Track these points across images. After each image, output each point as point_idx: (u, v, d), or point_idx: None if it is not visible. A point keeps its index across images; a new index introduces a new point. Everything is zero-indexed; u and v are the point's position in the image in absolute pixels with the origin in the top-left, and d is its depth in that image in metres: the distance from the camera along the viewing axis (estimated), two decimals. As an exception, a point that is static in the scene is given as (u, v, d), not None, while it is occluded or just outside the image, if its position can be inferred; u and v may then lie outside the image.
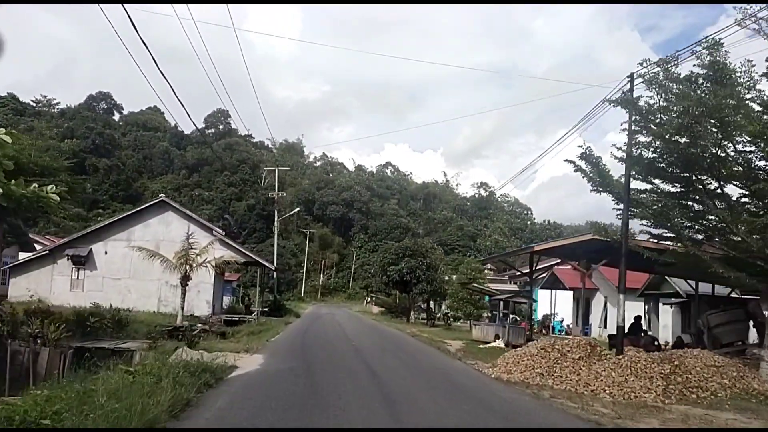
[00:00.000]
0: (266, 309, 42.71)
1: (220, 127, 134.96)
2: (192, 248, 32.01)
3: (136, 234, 36.66)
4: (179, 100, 16.85)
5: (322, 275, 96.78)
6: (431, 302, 45.44)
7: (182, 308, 31.85)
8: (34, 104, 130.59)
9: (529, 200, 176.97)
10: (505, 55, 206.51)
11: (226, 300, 46.91)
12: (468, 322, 48.00)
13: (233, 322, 35.38)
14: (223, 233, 36.81)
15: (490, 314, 26.84)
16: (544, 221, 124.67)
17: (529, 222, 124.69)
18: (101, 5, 11.41)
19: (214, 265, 32.39)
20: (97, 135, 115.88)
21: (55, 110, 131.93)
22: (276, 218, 43.47)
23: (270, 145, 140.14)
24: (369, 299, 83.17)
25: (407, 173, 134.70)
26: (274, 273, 46.47)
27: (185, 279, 32.07)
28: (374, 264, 46.28)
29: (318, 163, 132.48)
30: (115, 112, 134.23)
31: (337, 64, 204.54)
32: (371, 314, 55.68)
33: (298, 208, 54.89)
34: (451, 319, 43.48)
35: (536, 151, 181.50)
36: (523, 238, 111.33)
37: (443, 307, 50.57)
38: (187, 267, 32.06)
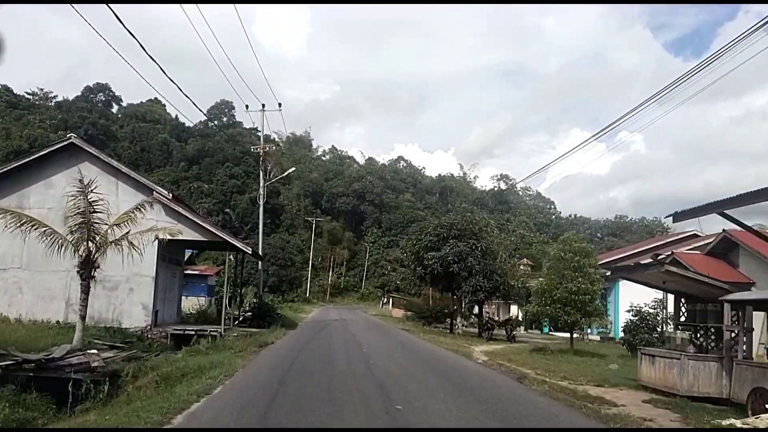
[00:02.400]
0: (249, 313, 27.60)
1: (224, 119, 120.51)
2: (96, 210, 17.08)
3: (33, 199, 21.76)
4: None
5: (331, 273, 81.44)
6: (484, 304, 30.17)
7: (82, 317, 17.05)
8: (30, 96, 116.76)
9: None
10: (515, 54, 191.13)
11: (195, 302, 31.76)
12: (522, 330, 32.98)
13: (187, 338, 20.55)
14: (170, 196, 21.76)
15: (693, 335, 11.63)
16: (570, 215, 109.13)
17: (553, 216, 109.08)
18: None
19: (137, 241, 17.41)
20: (90, 125, 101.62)
21: (52, 103, 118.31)
22: (262, 178, 28.36)
23: (276, 138, 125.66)
24: (385, 299, 67.72)
25: (420, 167, 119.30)
26: (259, 263, 31.26)
27: (86, 267, 17.14)
28: (404, 250, 30.71)
29: (327, 157, 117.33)
30: (113, 104, 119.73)
31: (347, 64, 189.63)
32: (394, 320, 40.42)
33: (293, 168, 39.94)
34: (514, 329, 28.30)
35: (548, 150, 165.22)
36: (548, 233, 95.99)
37: (483, 311, 35.27)
38: (89, 245, 17.15)
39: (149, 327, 21.39)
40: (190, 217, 21.70)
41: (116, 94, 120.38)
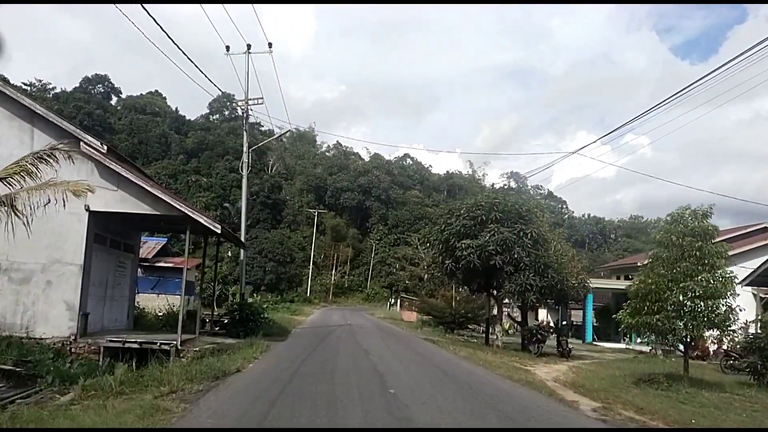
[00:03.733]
0: (226, 319, 20.58)
1: (226, 113, 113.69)
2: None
3: None
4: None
5: (334, 272, 74.38)
6: (537, 309, 23.16)
7: None
8: (27, 88, 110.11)
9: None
10: (523, 55, 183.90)
11: (170, 302, 24.78)
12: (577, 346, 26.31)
13: (132, 353, 13.84)
14: (104, 149, 14.80)
15: None
16: (584, 215, 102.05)
17: (566, 216, 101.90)
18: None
19: (23, 204, 10.51)
20: (86, 115, 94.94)
21: (50, 95, 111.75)
22: (245, 141, 21.16)
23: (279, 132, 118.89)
24: (393, 300, 60.72)
25: (428, 165, 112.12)
26: (242, 252, 23.88)
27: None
28: (427, 238, 23.33)
29: (331, 153, 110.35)
30: (112, 96, 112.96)
31: (353, 64, 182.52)
32: (408, 325, 33.39)
33: (288, 129, 32.20)
34: (568, 342, 21.29)
35: (555, 152, 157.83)
36: (562, 234, 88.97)
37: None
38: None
39: (74, 337, 14.48)
40: (135, 180, 14.73)
41: (116, 85, 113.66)
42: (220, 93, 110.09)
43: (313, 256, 68.95)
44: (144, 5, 13.33)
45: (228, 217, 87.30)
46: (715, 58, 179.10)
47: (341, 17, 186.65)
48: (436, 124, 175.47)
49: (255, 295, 52.04)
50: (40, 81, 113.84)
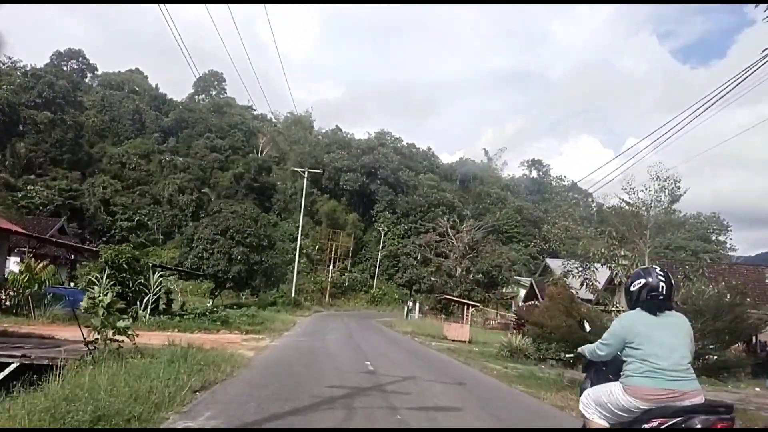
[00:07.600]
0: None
1: (213, 93, 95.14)
2: None
3: None
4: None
5: (332, 267, 55.44)
6: None
7: None
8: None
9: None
10: (523, 58, 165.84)
11: None
12: None
13: None
14: None
15: None
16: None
17: (595, 209, 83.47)
18: None
19: None
20: (47, 86, 76.10)
21: (20, 72, 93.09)
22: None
23: (273, 118, 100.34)
24: (411, 305, 41.88)
25: (437, 155, 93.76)
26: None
27: None
28: None
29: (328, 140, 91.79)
30: (87, 72, 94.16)
31: (354, 66, 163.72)
32: (482, 355, 14.97)
33: None
34: None
35: (555, 155, 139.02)
36: (594, 225, 70.81)
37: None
38: None
39: None
40: None
41: (91, 62, 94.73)
42: (203, 73, 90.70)
43: (303, 242, 49.96)
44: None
45: (207, 203, 68.76)
46: (717, 61, 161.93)
47: (342, 20, 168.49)
48: (436, 127, 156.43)
49: (216, 294, 33.20)
50: (10, 58, 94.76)
